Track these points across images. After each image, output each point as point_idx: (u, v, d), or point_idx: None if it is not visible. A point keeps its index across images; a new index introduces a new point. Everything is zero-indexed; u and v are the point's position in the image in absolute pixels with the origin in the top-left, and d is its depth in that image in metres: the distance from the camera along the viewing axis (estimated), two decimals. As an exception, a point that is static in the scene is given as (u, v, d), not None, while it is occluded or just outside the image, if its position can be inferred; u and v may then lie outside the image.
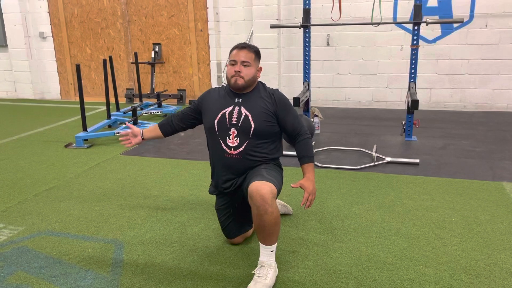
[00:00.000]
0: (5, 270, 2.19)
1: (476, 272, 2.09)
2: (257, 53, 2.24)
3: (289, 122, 2.24)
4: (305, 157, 2.21)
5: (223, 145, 2.19)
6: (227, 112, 2.20)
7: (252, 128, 2.16)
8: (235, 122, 2.17)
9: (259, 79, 2.29)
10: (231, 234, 2.38)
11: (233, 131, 2.17)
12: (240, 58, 2.17)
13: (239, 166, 2.19)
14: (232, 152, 2.18)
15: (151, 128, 2.48)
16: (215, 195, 2.40)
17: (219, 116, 2.20)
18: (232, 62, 2.20)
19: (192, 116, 2.38)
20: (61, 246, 2.42)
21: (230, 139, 2.17)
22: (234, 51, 2.21)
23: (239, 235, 2.38)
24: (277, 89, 2.31)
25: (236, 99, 2.22)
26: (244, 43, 2.24)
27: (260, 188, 1.94)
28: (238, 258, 2.27)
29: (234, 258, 2.27)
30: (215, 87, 2.37)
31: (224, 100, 2.24)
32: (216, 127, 2.20)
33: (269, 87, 2.30)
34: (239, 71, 2.16)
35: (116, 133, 4.66)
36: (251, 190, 1.96)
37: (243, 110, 2.18)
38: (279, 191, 2.11)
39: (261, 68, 2.28)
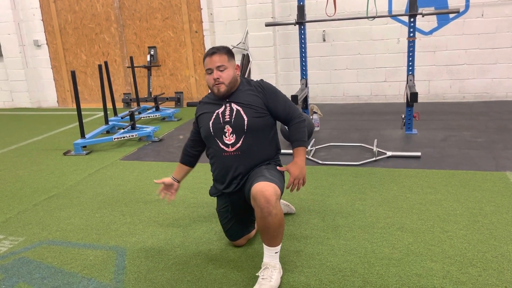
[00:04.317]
0: (7, 282, 2.16)
1: (484, 265, 2.06)
2: (229, 52, 2.21)
3: (280, 108, 2.23)
4: (296, 141, 2.21)
5: (220, 144, 2.17)
6: (220, 112, 2.19)
7: (246, 122, 2.15)
8: (228, 119, 2.16)
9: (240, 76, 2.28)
10: (234, 236, 2.35)
11: (228, 128, 2.16)
12: (215, 64, 2.15)
13: (239, 163, 2.16)
14: (230, 149, 2.16)
15: (177, 169, 2.48)
16: (216, 197, 2.38)
17: (213, 118, 2.20)
18: (209, 71, 2.17)
19: (199, 135, 2.35)
20: (62, 256, 2.39)
21: (226, 137, 2.16)
22: (206, 60, 2.18)
23: (242, 237, 2.35)
24: (261, 79, 2.30)
25: (226, 99, 2.21)
26: (213, 48, 2.19)
27: (264, 189, 1.91)
28: (242, 260, 2.24)
29: (238, 260, 2.24)
30: (206, 95, 2.36)
31: (215, 102, 2.24)
32: (211, 129, 2.19)
33: (253, 80, 2.29)
34: (218, 78, 2.14)
35: (114, 139, 4.63)
36: (255, 191, 1.93)
37: (234, 106, 2.18)
38: (282, 191, 2.09)
39: (238, 66, 2.26)
